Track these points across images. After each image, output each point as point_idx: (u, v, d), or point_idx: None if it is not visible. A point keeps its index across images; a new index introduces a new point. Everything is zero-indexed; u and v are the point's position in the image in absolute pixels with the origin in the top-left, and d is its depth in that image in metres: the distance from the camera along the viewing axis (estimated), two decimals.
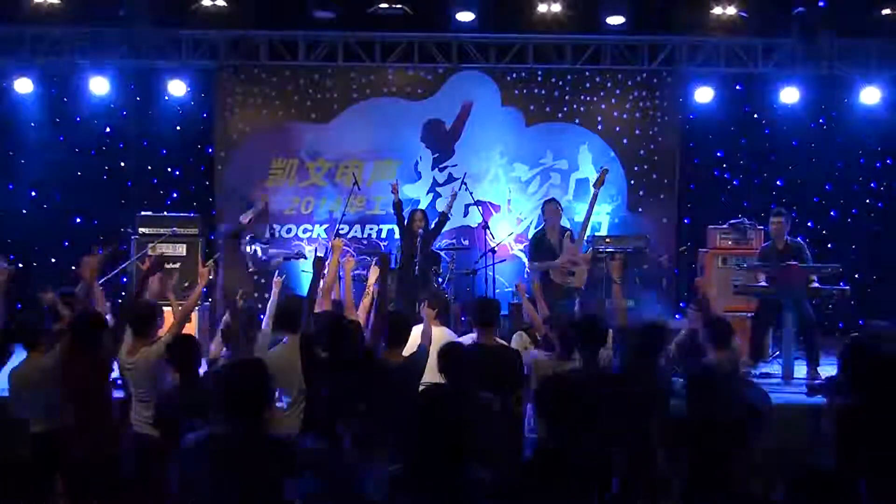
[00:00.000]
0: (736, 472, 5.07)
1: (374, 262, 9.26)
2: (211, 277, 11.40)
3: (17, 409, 6.23)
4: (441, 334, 6.88)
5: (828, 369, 8.64)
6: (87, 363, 5.90)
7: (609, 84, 12.67)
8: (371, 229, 12.51)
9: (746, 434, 5.37)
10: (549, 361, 6.51)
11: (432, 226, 10.63)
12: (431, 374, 6.11)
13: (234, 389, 4.33)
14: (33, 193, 12.55)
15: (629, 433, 5.73)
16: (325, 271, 7.37)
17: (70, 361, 5.90)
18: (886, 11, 10.44)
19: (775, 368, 9.77)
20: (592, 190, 10.32)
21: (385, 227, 12.45)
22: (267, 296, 8.79)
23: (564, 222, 10.75)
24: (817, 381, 8.51)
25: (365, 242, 12.30)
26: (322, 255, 8.17)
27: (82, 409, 5.86)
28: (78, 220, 12.58)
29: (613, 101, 12.67)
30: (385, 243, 12.26)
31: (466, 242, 12.18)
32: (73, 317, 6.12)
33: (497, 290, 11.15)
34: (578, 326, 6.44)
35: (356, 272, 11.21)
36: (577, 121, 12.67)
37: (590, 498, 4.35)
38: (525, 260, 11.63)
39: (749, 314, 10.13)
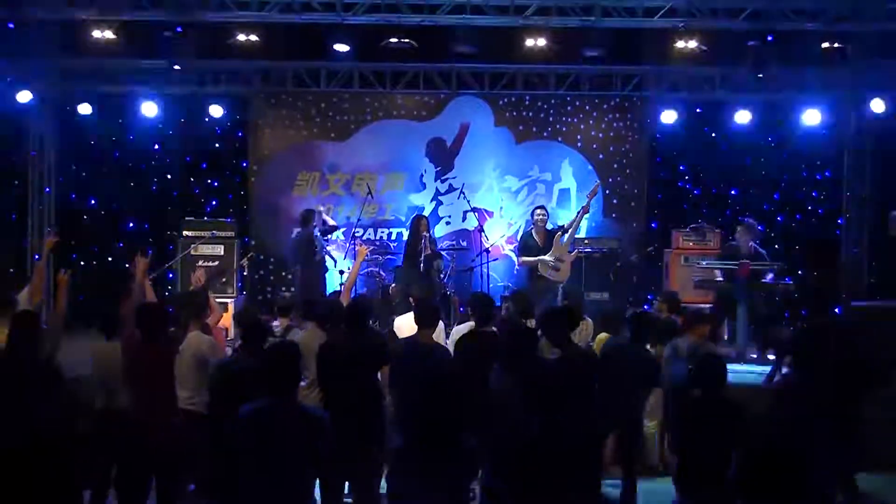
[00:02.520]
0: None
1: (359, 244, 9.32)
2: (245, 274, 11.54)
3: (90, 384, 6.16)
4: None
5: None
6: (152, 352, 5.65)
7: (587, 107, 12.68)
8: (382, 232, 12.53)
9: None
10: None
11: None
12: None
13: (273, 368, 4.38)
14: (93, 201, 12.62)
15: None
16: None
17: (135, 350, 5.68)
18: (825, 45, 10.44)
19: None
20: (586, 198, 10.26)
21: (395, 231, 12.49)
22: None
23: (549, 226, 10.76)
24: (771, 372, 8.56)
25: (377, 243, 12.32)
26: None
27: (146, 392, 5.61)
28: (131, 224, 12.63)
29: (591, 122, 12.68)
30: (395, 244, 12.28)
31: (465, 244, 12.18)
32: (139, 309, 5.83)
33: (491, 285, 11.18)
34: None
35: (371, 269, 11.31)
36: (559, 139, 12.67)
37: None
38: (514, 258, 11.65)
39: (707, 305, 10.13)
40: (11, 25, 9.89)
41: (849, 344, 6.80)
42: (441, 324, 7.36)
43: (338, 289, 10.05)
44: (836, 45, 10.39)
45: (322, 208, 11.41)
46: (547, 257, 9.84)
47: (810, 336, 6.21)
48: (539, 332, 5.98)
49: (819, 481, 3.43)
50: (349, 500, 5.98)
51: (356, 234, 11.71)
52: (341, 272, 11.00)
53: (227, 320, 9.71)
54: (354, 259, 11.31)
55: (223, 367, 5.95)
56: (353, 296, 7.32)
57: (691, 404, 5.39)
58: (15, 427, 4.58)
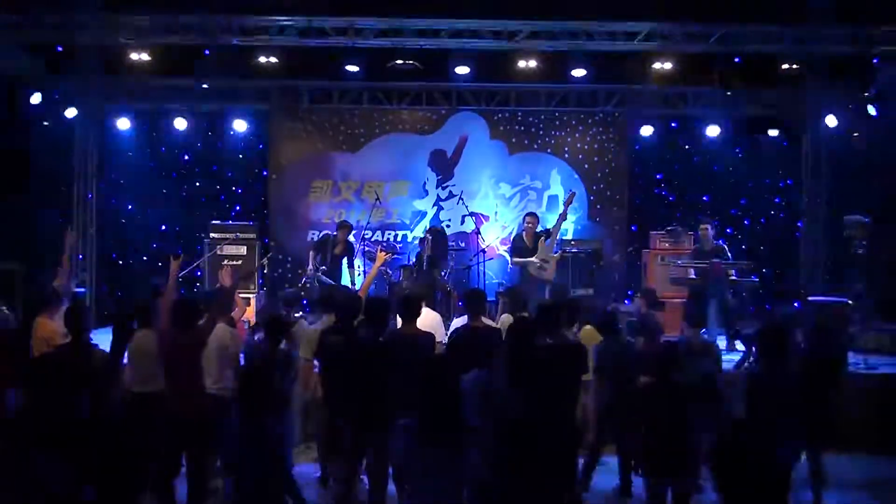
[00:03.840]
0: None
1: (380, 249, 9.25)
2: (265, 272, 11.55)
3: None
4: (426, 313, 6.74)
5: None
6: (185, 341, 5.73)
7: (574, 122, 12.67)
8: (389, 234, 12.55)
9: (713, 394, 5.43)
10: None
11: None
12: None
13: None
14: (130, 207, 12.63)
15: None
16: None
17: (170, 339, 5.80)
18: (785, 66, 10.50)
19: None
20: (562, 207, 10.34)
21: (400, 233, 12.51)
22: None
23: (538, 228, 10.79)
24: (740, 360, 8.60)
25: (385, 244, 12.32)
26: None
27: (179, 377, 5.69)
28: (163, 227, 12.64)
29: (577, 135, 12.67)
30: (400, 245, 12.30)
31: (463, 245, 12.18)
32: (174, 303, 5.93)
33: (487, 282, 11.20)
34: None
35: (379, 268, 11.31)
36: (549, 150, 12.66)
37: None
38: (508, 257, 11.67)
39: (682, 300, 10.16)
40: (60, 49, 9.93)
41: (808, 335, 6.84)
42: (439, 317, 7.39)
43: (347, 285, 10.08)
44: (794, 66, 10.44)
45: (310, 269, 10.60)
46: (534, 259, 9.88)
47: (773, 329, 6.24)
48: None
49: (782, 462, 3.43)
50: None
51: (365, 237, 11.72)
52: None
53: (249, 313, 9.75)
54: (364, 257, 11.41)
55: (248, 356, 6.04)
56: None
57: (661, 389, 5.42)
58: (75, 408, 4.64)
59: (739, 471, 2.94)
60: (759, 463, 2.94)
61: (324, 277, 10.13)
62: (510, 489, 3.62)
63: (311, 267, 10.39)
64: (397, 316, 6.25)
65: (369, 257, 10.53)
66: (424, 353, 5.82)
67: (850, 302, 9.18)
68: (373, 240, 12.22)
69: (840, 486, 6.97)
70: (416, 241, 11.40)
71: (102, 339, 6.81)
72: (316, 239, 11.70)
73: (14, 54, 9.86)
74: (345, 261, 10.69)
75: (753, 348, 7.49)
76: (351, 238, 11.20)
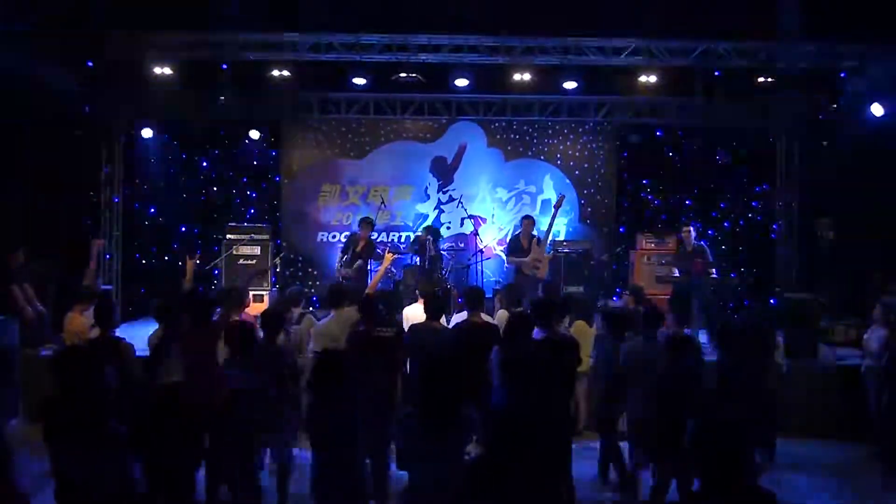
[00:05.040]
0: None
1: (387, 250, 9.29)
2: (278, 270, 11.64)
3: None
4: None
5: None
6: (201, 335, 5.79)
7: (566, 131, 12.76)
8: (393, 235, 12.65)
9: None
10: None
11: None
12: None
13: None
14: (152, 210, 12.70)
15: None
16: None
17: (188, 333, 5.86)
18: (760, 80, 10.58)
19: None
20: (553, 210, 10.44)
21: (404, 234, 12.60)
22: None
23: (534, 231, 10.87)
24: None
25: (389, 245, 12.40)
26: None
27: (196, 368, 5.71)
28: (183, 228, 12.71)
29: (569, 143, 12.77)
30: (403, 245, 12.37)
31: (462, 245, 12.28)
32: (190, 299, 6.07)
33: (484, 280, 11.29)
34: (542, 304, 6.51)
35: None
36: (542, 157, 12.76)
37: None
38: (504, 257, 11.75)
39: (666, 297, 10.24)
40: (90, 63, 10.03)
41: (761, 333, 6.96)
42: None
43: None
44: (768, 79, 10.51)
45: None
46: (528, 259, 9.97)
47: (731, 328, 6.36)
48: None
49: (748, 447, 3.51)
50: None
51: (372, 238, 11.78)
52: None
53: (261, 309, 9.79)
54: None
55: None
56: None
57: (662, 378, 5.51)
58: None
59: (713, 455, 3.03)
60: (729, 448, 3.03)
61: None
62: (506, 479, 3.70)
63: (337, 266, 10.39)
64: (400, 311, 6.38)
65: (376, 258, 10.60)
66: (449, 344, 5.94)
67: (820, 298, 9.26)
68: (378, 241, 12.31)
69: (808, 469, 7.09)
70: (413, 239, 11.40)
71: (126, 333, 6.93)
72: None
73: (51, 69, 9.94)
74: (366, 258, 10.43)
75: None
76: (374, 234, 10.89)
